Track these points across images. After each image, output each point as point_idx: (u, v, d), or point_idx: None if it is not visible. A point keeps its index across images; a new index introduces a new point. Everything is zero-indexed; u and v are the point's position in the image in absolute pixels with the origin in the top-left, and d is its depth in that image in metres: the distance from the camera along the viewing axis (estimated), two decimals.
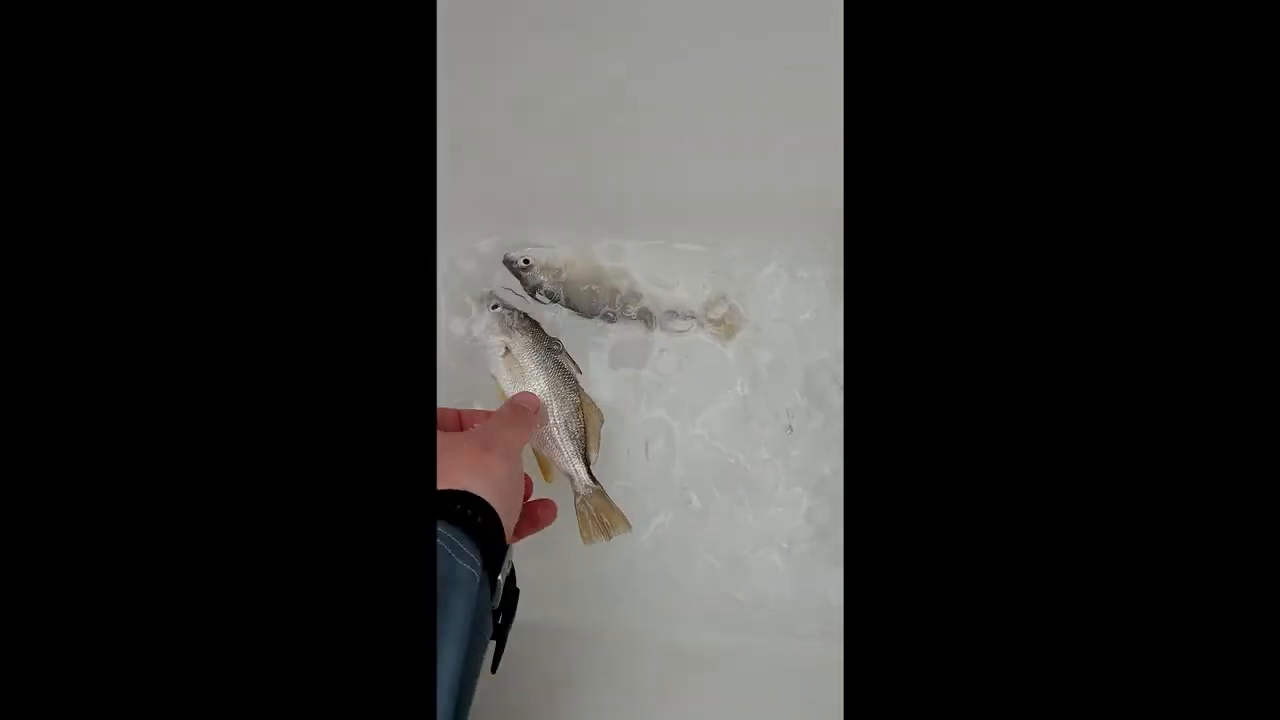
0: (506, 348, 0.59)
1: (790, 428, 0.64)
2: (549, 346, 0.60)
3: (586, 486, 0.58)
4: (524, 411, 0.54)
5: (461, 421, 0.53)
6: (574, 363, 0.61)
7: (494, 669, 0.42)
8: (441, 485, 0.41)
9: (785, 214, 0.62)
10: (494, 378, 0.59)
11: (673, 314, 0.66)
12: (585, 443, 0.58)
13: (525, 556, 0.45)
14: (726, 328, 0.65)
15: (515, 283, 0.66)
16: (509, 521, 0.43)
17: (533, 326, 0.61)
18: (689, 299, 0.66)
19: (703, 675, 0.60)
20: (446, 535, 0.37)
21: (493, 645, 0.41)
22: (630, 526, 0.58)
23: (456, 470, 0.42)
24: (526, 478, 0.50)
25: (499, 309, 0.61)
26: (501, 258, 0.66)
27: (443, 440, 0.45)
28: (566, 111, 0.52)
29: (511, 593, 0.43)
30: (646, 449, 0.65)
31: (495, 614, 0.40)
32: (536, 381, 0.58)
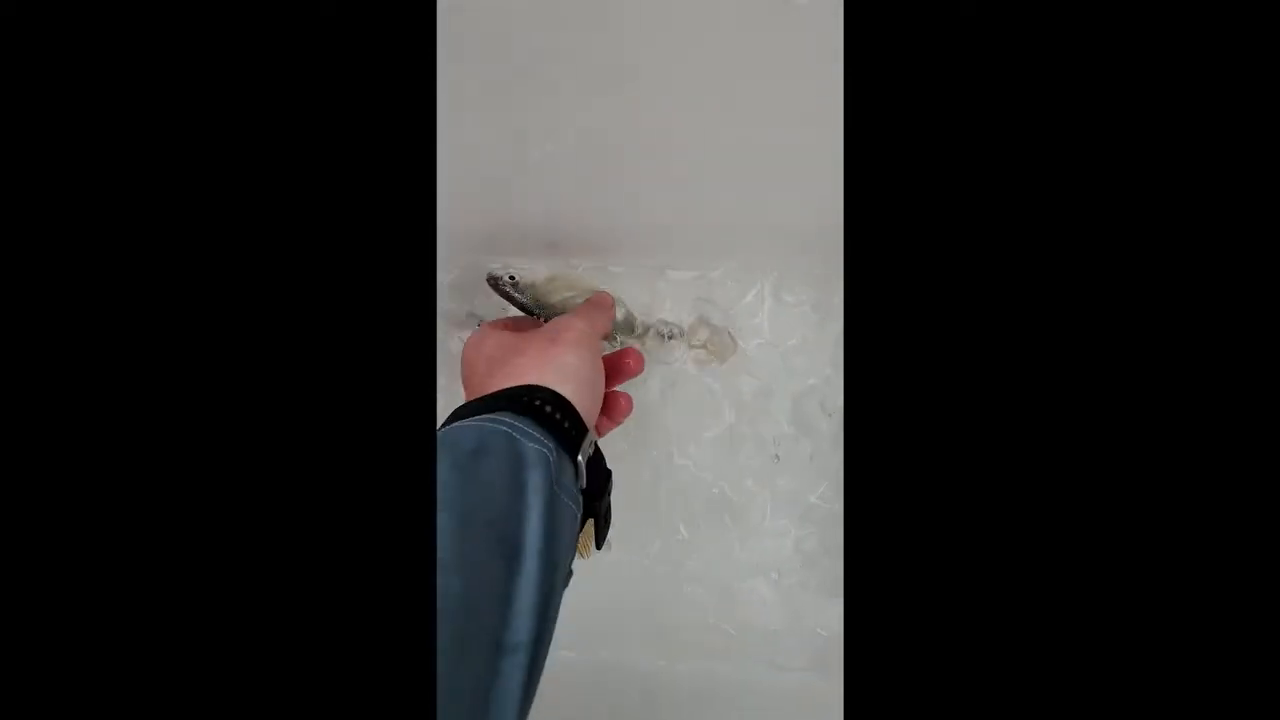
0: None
1: (777, 456, 0.63)
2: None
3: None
4: (599, 302, 0.52)
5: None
6: None
7: (598, 546, 0.42)
8: (508, 384, 0.40)
9: (770, 238, 0.61)
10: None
11: (660, 336, 0.65)
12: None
13: None
14: (711, 352, 0.64)
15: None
16: (585, 405, 0.41)
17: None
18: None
19: (692, 708, 0.60)
20: (511, 422, 0.36)
21: (590, 525, 0.40)
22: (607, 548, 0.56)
23: (523, 367, 0.41)
24: (623, 356, 0.50)
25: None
26: (485, 276, 0.64)
27: (511, 339, 0.44)
28: (554, 141, 0.51)
29: (602, 471, 0.42)
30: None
31: (584, 493, 0.39)
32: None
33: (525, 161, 0.50)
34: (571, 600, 0.62)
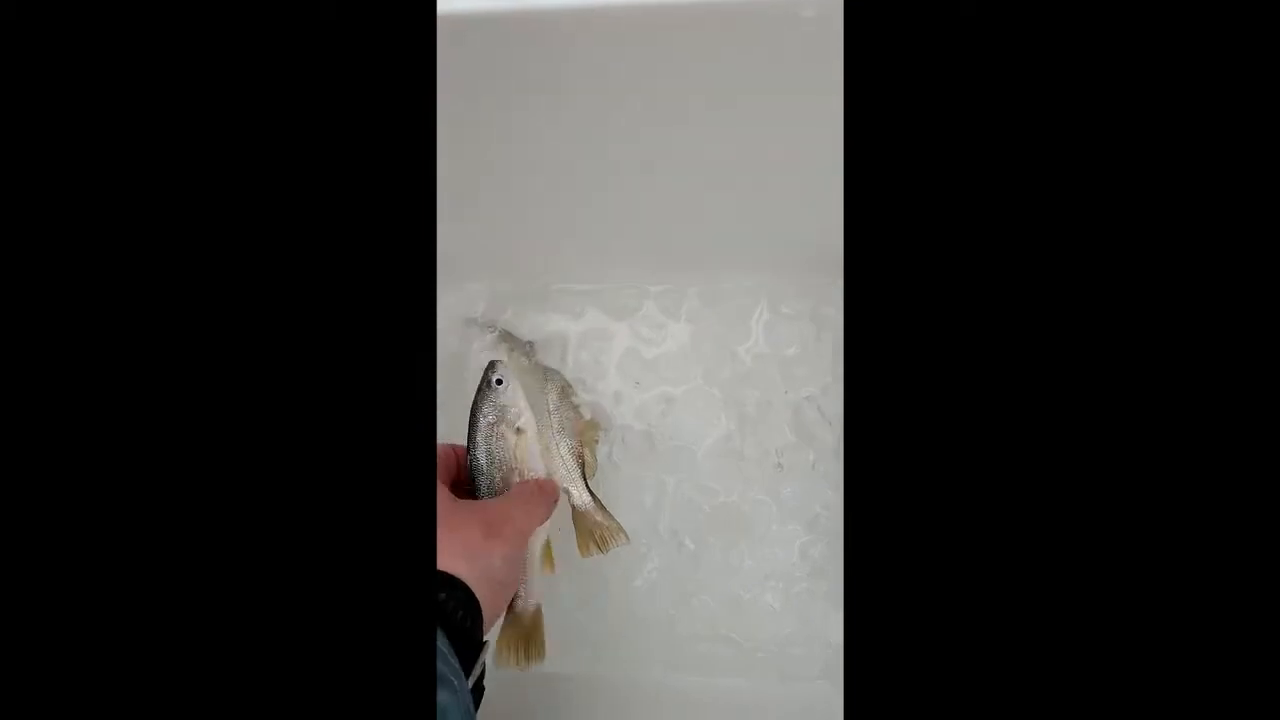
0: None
1: (780, 465, 0.64)
2: (545, 370, 0.59)
3: (585, 504, 0.56)
4: (544, 492, 0.52)
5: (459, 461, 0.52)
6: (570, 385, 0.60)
7: None
8: (436, 563, 0.40)
9: (769, 249, 0.63)
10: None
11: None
12: (582, 458, 0.57)
13: None
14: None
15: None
16: (493, 609, 0.42)
17: (529, 349, 0.61)
18: (673, 347, 0.66)
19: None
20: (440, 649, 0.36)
21: None
22: (627, 539, 0.56)
23: (451, 551, 0.41)
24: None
25: (496, 333, 0.60)
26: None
27: (450, 511, 0.44)
28: (556, 153, 0.52)
29: (478, 689, 0.41)
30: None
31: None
32: (537, 398, 0.56)
33: (527, 175, 0.52)
34: (578, 614, 0.63)
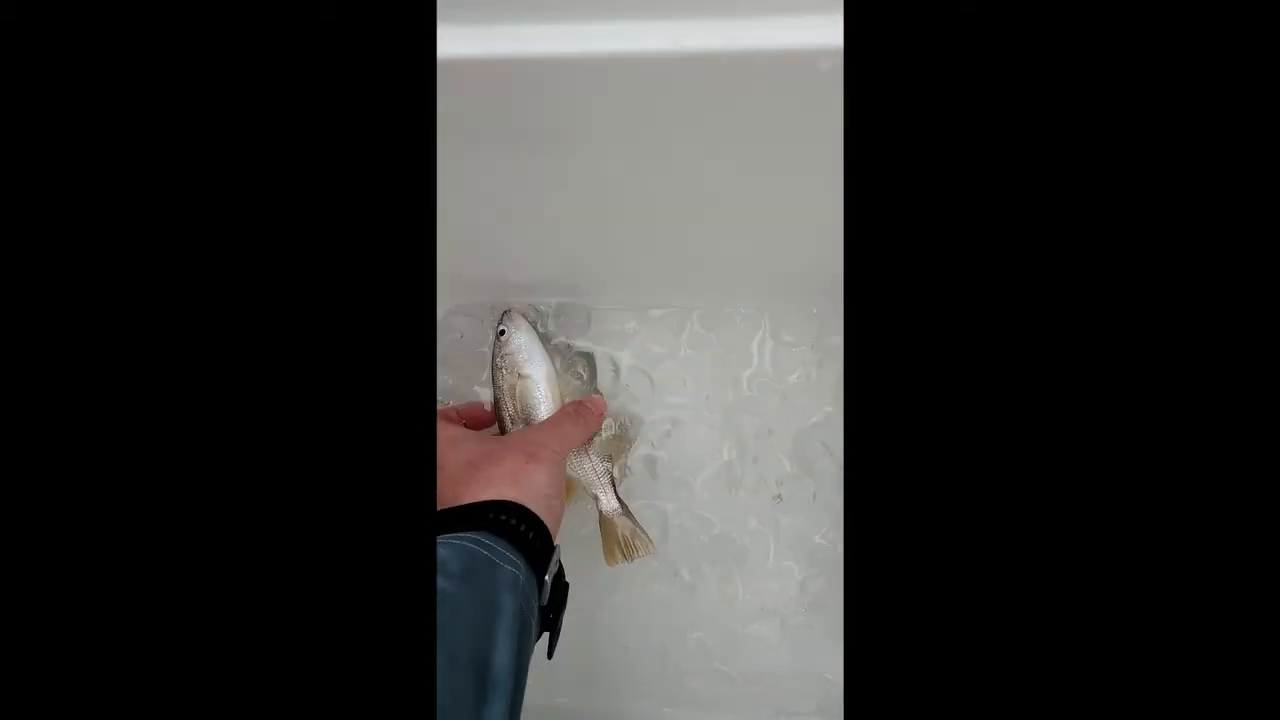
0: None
1: (780, 496, 0.62)
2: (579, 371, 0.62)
3: (613, 509, 0.58)
4: (587, 412, 0.56)
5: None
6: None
7: (550, 655, 0.45)
8: (485, 494, 0.44)
9: (770, 279, 0.61)
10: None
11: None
12: (613, 465, 0.59)
13: None
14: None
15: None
16: (552, 522, 0.45)
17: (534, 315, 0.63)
18: (678, 368, 0.64)
19: None
20: (488, 543, 0.39)
21: (546, 636, 0.44)
22: (654, 549, 0.58)
23: (499, 481, 0.45)
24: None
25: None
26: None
27: (489, 447, 0.49)
28: (570, 190, 0.51)
29: (561, 586, 0.46)
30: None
31: (545, 610, 0.43)
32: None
33: (540, 208, 0.51)
34: (572, 646, 0.61)
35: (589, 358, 0.64)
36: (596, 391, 0.62)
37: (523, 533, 0.42)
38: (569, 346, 0.64)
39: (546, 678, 0.57)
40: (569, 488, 0.56)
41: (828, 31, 0.32)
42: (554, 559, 0.44)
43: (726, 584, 0.62)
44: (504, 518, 0.42)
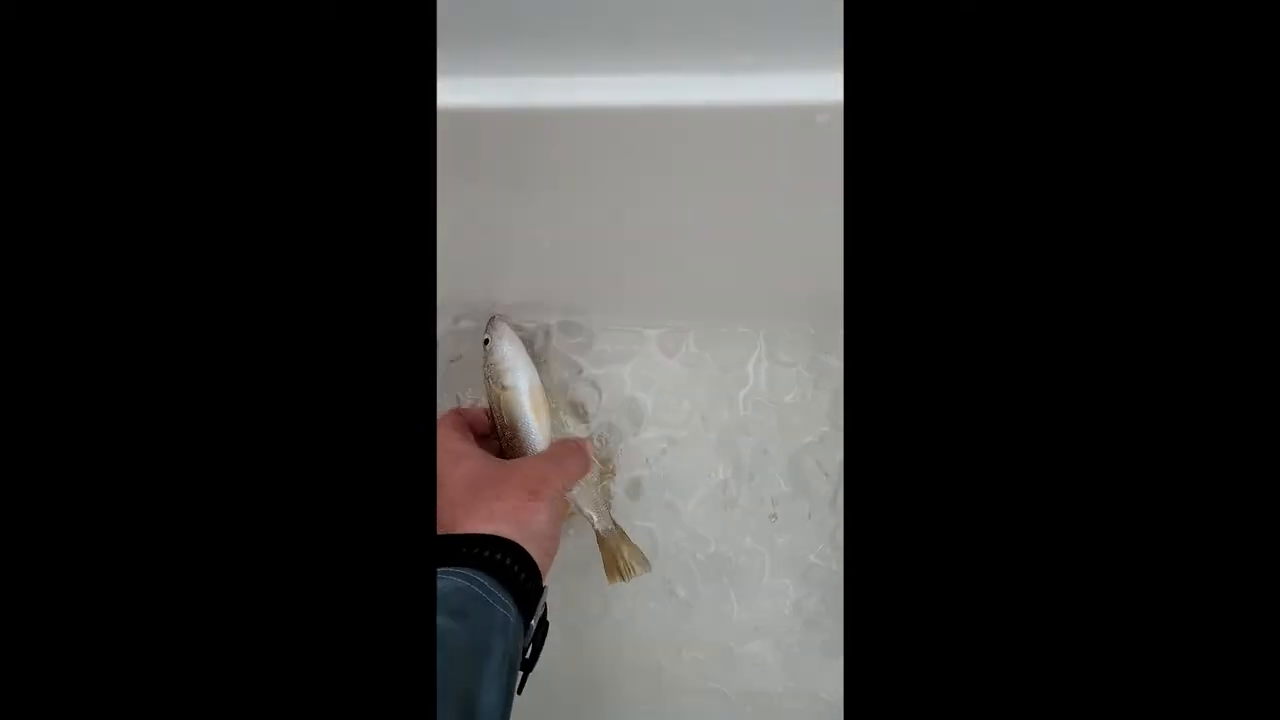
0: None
1: (775, 515, 0.63)
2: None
3: (608, 529, 0.58)
4: (581, 450, 0.56)
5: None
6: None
7: (519, 691, 0.45)
8: (485, 526, 0.44)
9: (767, 299, 0.61)
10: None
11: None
12: (605, 485, 0.59)
13: None
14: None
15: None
16: (546, 564, 0.46)
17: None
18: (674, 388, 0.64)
19: None
20: (483, 582, 0.40)
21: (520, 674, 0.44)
22: (650, 568, 0.58)
23: (499, 516, 0.45)
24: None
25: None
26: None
27: (492, 473, 0.49)
28: (575, 218, 0.52)
29: (543, 627, 0.46)
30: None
31: (525, 648, 0.44)
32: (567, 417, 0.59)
33: (544, 236, 0.51)
34: (566, 664, 0.62)
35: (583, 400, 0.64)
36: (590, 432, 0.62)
37: (515, 573, 0.43)
38: (578, 373, 0.64)
39: (541, 693, 0.58)
40: (564, 509, 0.56)
41: (806, 88, 0.35)
42: (541, 602, 0.45)
43: (722, 602, 0.62)
44: (500, 557, 0.43)
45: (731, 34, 0.34)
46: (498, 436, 0.58)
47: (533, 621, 0.44)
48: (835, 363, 0.62)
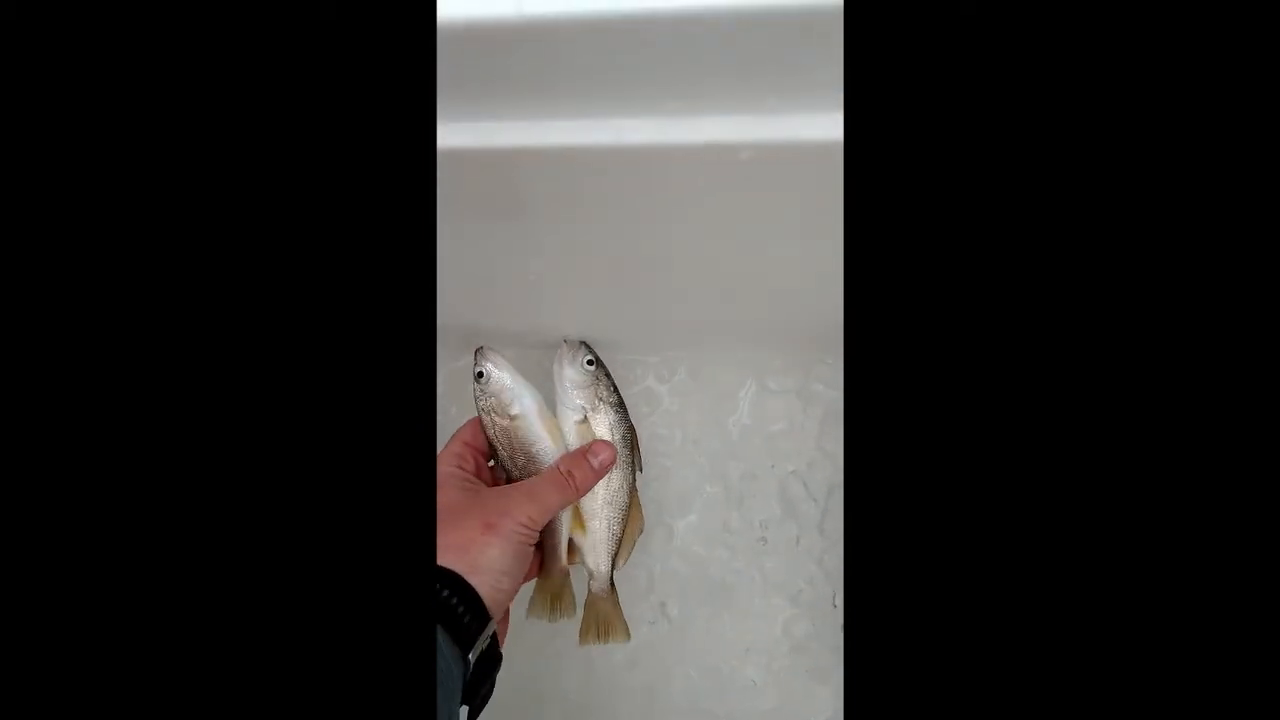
0: (585, 414, 0.55)
1: (764, 539, 0.64)
2: (625, 432, 0.55)
3: (603, 589, 0.55)
4: (582, 474, 0.52)
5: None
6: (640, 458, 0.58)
7: None
8: (438, 558, 0.42)
9: (756, 326, 0.63)
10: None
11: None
12: (619, 545, 0.56)
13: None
14: None
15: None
16: (495, 602, 0.43)
17: (621, 404, 0.56)
18: (666, 413, 0.66)
19: None
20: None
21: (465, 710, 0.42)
22: (629, 638, 0.56)
23: (448, 549, 0.43)
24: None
25: (594, 366, 0.55)
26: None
27: (459, 504, 0.46)
28: (572, 254, 0.54)
29: (493, 657, 0.44)
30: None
31: (466, 685, 0.41)
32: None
33: (545, 270, 0.53)
34: (556, 683, 0.63)
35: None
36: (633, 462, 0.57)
37: (453, 606, 0.41)
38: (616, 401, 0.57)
39: (532, 714, 0.59)
40: (570, 551, 0.55)
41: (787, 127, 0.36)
42: (484, 635, 0.42)
43: (714, 624, 0.64)
44: (439, 588, 0.41)
45: (722, 80, 0.36)
46: (503, 467, 0.54)
47: (471, 655, 0.41)
48: (823, 390, 0.64)
